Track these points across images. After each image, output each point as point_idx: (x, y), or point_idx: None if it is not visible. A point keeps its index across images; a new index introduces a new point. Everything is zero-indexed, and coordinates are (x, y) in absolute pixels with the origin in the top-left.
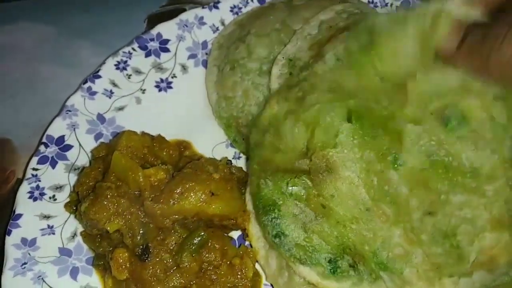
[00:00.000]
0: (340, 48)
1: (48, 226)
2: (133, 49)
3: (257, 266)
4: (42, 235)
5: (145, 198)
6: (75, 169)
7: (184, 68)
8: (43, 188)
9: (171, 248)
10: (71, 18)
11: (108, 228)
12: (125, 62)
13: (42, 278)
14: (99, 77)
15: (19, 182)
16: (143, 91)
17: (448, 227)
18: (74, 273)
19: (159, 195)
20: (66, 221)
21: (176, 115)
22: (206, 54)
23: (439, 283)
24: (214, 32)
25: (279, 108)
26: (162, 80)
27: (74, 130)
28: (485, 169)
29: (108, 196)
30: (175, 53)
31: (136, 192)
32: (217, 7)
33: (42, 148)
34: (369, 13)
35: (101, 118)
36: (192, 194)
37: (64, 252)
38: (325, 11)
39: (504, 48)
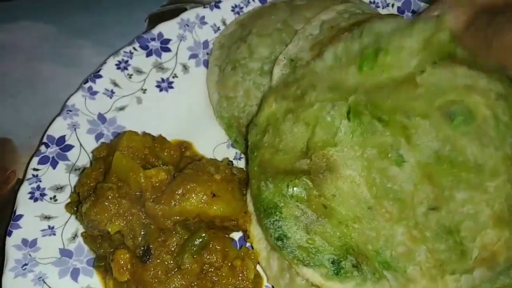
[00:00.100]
0: (339, 47)
1: (49, 227)
2: (134, 49)
3: (258, 267)
4: (43, 236)
5: (146, 199)
6: (76, 170)
7: (185, 68)
8: (44, 189)
9: (172, 249)
10: (72, 17)
11: (109, 229)
12: (126, 61)
13: (43, 279)
14: (100, 76)
15: (20, 182)
16: (144, 91)
17: (452, 223)
18: (75, 274)
19: (160, 196)
20: (67, 222)
21: (177, 115)
22: (207, 54)
23: (441, 281)
24: (215, 31)
25: (277, 106)
26: (163, 80)
27: (75, 130)
28: (488, 165)
29: (109, 197)
30: (176, 53)
31: (137, 193)
32: (218, 7)
33: (42, 148)
34: (374, 17)
35: (102, 118)
36: (193, 195)
37: (65, 253)
38: (326, 11)
39: (506, 33)
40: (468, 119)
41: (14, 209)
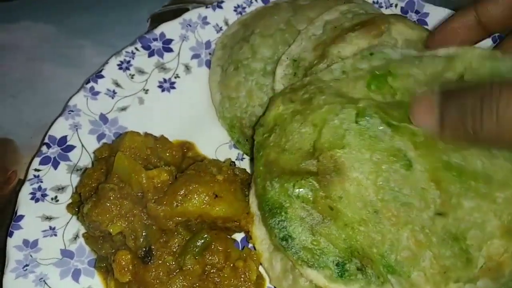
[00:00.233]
0: (347, 63)
1: (50, 227)
2: (136, 49)
3: (260, 269)
4: (44, 236)
5: (148, 199)
6: (77, 170)
7: (187, 68)
8: (45, 189)
9: (174, 250)
10: (72, 17)
11: (111, 230)
12: (128, 62)
13: (44, 280)
14: (102, 77)
15: (21, 183)
16: (146, 91)
17: (458, 231)
18: (76, 275)
19: (162, 196)
20: (68, 222)
21: (179, 116)
22: (210, 54)
23: None
24: (217, 32)
25: (285, 108)
26: (165, 80)
27: (77, 130)
28: (497, 176)
29: (111, 198)
30: (179, 53)
31: (139, 194)
32: (220, 7)
33: (44, 148)
34: (386, 46)
35: (103, 118)
36: (195, 196)
37: (66, 254)
38: (330, 11)
39: (486, 121)
40: None
41: (15, 209)
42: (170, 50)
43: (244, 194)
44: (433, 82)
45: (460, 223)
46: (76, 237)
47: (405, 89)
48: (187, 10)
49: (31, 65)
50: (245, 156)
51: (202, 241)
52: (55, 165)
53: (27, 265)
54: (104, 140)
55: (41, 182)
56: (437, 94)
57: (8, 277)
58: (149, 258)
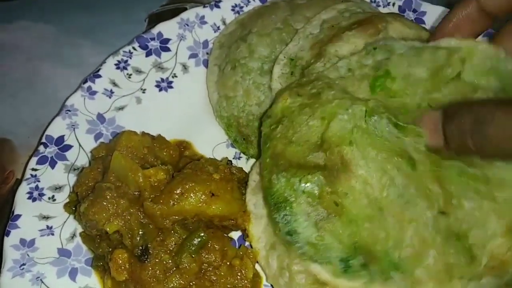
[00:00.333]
0: (353, 60)
1: (47, 226)
2: (134, 49)
3: (257, 267)
4: (41, 235)
5: (144, 198)
6: (74, 170)
7: (185, 67)
8: (42, 189)
9: (171, 249)
10: (71, 17)
11: (108, 228)
12: (126, 61)
13: (41, 279)
14: (99, 76)
15: (18, 182)
16: (144, 90)
17: (460, 230)
18: (73, 274)
19: (159, 195)
20: (65, 221)
21: (177, 115)
22: (207, 53)
23: (449, 285)
24: (215, 31)
25: (292, 101)
26: (162, 80)
27: (74, 130)
28: (495, 177)
29: (108, 197)
30: (176, 53)
31: (136, 193)
32: (218, 6)
33: (41, 148)
34: (389, 38)
35: (101, 118)
36: (192, 195)
37: (63, 253)
38: (327, 10)
39: (484, 142)
40: None
41: (13, 209)
42: (167, 49)
43: (241, 193)
44: (433, 82)
45: (462, 223)
46: (73, 236)
47: (405, 90)
48: (184, 9)
49: (30, 65)
50: (242, 155)
51: (199, 239)
52: (52, 164)
53: (24, 264)
54: (101, 140)
55: (38, 181)
56: (440, 115)
57: (5, 276)
58: (146, 256)
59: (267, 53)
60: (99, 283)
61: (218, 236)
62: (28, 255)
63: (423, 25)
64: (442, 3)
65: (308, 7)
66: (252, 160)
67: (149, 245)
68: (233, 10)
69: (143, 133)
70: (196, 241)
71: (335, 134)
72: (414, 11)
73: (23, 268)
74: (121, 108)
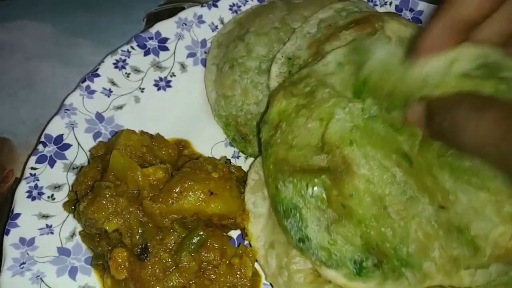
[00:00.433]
0: (339, 54)
1: (47, 225)
2: (132, 48)
3: (256, 265)
4: (41, 234)
5: (144, 197)
6: (73, 168)
7: (183, 66)
8: (42, 188)
9: (170, 247)
10: (70, 16)
11: (107, 227)
12: (124, 60)
13: (41, 278)
14: (98, 75)
15: (18, 181)
16: (142, 90)
17: (461, 223)
18: (72, 272)
19: (158, 194)
20: (64, 220)
21: (175, 114)
22: (205, 52)
23: (456, 276)
24: (213, 30)
25: (287, 102)
26: (161, 79)
27: (73, 129)
28: (484, 169)
29: (107, 196)
30: (174, 52)
31: (135, 191)
32: (216, 6)
33: (40, 147)
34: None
35: (99, 117)
36: (191, 193)
37: (63, 251)
38: (324, 10)
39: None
40: None
41: (12, 208)
42: (165, 48)
43: (239, 192)
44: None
45: (462, 217)
46: (72, 235)
47: (387, 80)
48: (182, 9)
49: (29, 64)
50: (240, 154)
51: (198, 238)
52: (52, 163)
53: (23, 263)
54: (100, 139)
55: (38, 180)
56: (423, 111)
57: (5, 275)
58: (145, 255)
59: (265, 52)
60: (99, 282)
61: (217, 235)
62: (27, 253)
63: (420, 24)
64: (439, 2)
65: (305, 6)
66: (251, 159)
67: (148, 244)
68: (231, 9)
69: (142, 132)
70: (195, 239)
71: (335, 135)
72: (411, 10)
73: (23, 267)
74: (119, 107)
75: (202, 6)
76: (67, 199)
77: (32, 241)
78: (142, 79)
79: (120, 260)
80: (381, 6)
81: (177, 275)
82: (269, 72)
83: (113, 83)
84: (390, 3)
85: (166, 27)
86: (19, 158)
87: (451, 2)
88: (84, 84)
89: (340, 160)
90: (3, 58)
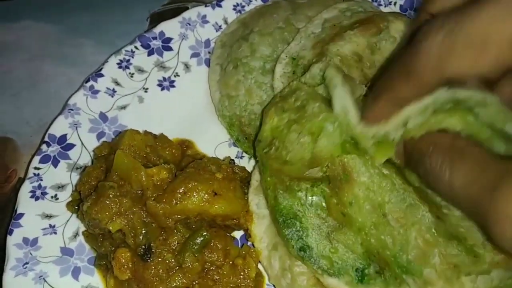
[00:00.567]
0: (321, 65)
1: (50, 225)
2: (136, 48)
3: (260, 266)
4: (44, 234)
5: (147, 197)
6: (77, 168)
7: (187, 66)
8: (45, 187)
9: (174, 248)
10: (73, 16)
11: (110, 227)
12: (128, 60)
13: (44, 278)
14: (102, 75)
15: (21, 181)
16: (146, 90)
17: (458, 233)
18: (75, 273)
19: (162, 194)
20: (68, 220)
21: (179, 114)
22: (209, 52)
23: (457, 282)
24: (217, 30)
25: (279, 119)
26: (164, 79)
27: (76, 129)
28: None
29: (110, 196)
30: (178, 52)
31: (139, 192)
32: (220, 6)
33: (44, 147)
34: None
35: (103, 117)
36: (194, 194)
37: (66, 251)
38: (328, 10)
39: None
40: None
41: (15, 207)
42: (169, 48)
43: (243, 192)
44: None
45: (458, 228)
46: (76, 235)
47: None
48: (186, 8)
49: (32, 64)
50: (244, 154)
51: (202, 238)
52: (55, 163)
53: (27, 263)
54: (103, 139)
55: (41, 180)
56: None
57: (8, 275)
58: (149, 255)
59: (269, 52)
60: (102, 282)
61: (220, 235)
62: (31, 253)
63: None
64: None
65: (309, 6)
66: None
67: (152, 244)
68: (234, 9)
69: (146, 132)
70: (198, 240)
71: (325, 149)
72: (416, 10)
73: (26, 267)
74: (123, 107)
75: (206, 6)
76: (70, 199)
77: (35, 241)
78: (146, 79)
79: (123, 261)
80: (385, 6)
81: (180, 275)
82: (273, 72)
83: (117, 83)
84: (395, 3)
85: (170, 27)
86: (22, 158)
87: (392, 80)
88: (88, 84)
89: (340, 168)
90: (6, 58)
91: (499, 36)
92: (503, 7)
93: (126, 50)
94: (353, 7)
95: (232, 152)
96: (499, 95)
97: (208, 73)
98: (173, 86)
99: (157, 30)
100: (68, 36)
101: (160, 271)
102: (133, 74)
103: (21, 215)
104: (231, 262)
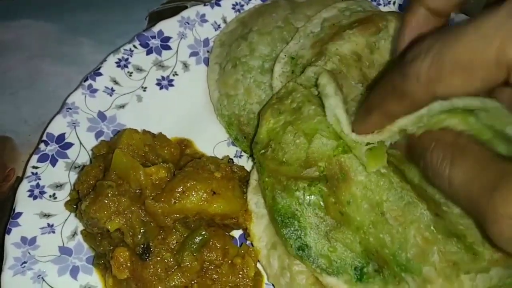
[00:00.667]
0: (313, 69)
1: (48, 224)
2: (134, 47)
3: (259, 265)
4: (42, 233)
5: (146, 196)
6: (75, 167)
7: (185, 65)
8: (43, 187)
9: (172, 247)
10: (73, 15)
11: (109, 227)
12: (126, 59)
13: (42, 277)
14: (100, 74)
15: (19, 180)
16: (144, 89)
17: (457, 231)
18: (74, 272)
19: (160, 193)
20: (66, 219)
21: (178, 113)
22: (208, 51)
23: (457, 280)
24: (216, 29)
25: (275, 121)
26: (163, 78)
27: (75, 128)
28: None
29: (109, 195)
30: (177, 51)
31: (137, 191)
32: (219, 5)
33: (42, 146)
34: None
35: (102, 116)
36: (193, 193)
37: (64, 251)
38: (327, 9)
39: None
40: None
41: (13, 207)
42: (168, 47)
43: (242, 191)
44: None
45: (457, 225)
46: (74, 234)
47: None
48: (185, 7)
49: (31, 63)
50: (243, 153)
51: (200, 238)
52: (53, 162)
53: (25, 262)
54: (102, 138)
55: (39, 179)
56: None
57: (6, 274)
58: (147, 255)
59: (268, 52)
60: (100, 282)
61: (219, 235)
62: (29, 253)
63: None
64: None
65: (308, 5)
66: None
67: (150, 244)
68: (233, 8)
69: (144, 131)
70: (197, 239)
71: (320, 149)
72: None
73: (24, 266)
74: (122, 106)
75: (205, 5)
76: (68, 198)
77: (33, 240)
78: (145, 78)
79: (122, 260)
80: (384, 6)
81: (179, 274)
82: (272, 72)
83: (116, 82)
84: (394, 2)
85: (168, 26)
86: (20, 157)
87: (384, 98)
88: (86, 83)
89: (337, 168)
90: (5, 57)
91: (485, 58)
92: (486, 30)
93: (124, 49)
94: (352, 7)
95: (231, 151)
96: (498, 100)
97: (207, 72)
98: (172, 85)
99: (156, 29)
100: (68, 35)
101: (159, 270)
102: (131, 73)
103: (19, 214)
104: (230, 261)
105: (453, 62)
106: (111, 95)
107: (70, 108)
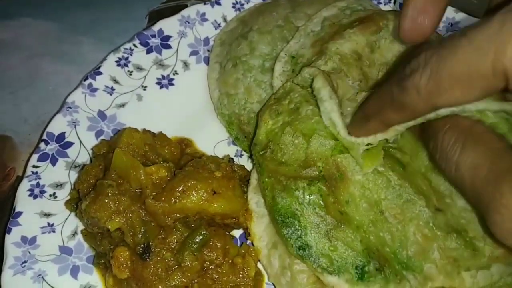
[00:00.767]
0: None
1: (48, 224)
2: (134, 46)
3: (259, 265)
4: (42, 233)
5: (146, 196)
6: (75, 167)
7: (185, 64)
8: (43, 186)
9: (173, 246)
10: (72, 14)
11: (109, 226)
12: (126, 58)
13: (42, 277)
14: (100, 73)
15: (19, 179)
16: (144, 88)
17: (459, 225)
18: (74, 271)
19: (161, 193)
20: (66, 219)
21: (178, 113)
22: (208, 50)
23: (458, 277)
24: (216, 28)
25: (274, 122)
26: (163, 77)
27: (75, 127)
28: None
29: (109, 194)
30: (177, 50)
31: (137, 190)
32: (219, 3)
33: (42, 145)
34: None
35: (102, 115)
36: (193, 192)
37: (65, 250)
38: (328, 8)
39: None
40: None
41: (14, 206)
42: (168, 46)
43: (242, 191)
44: None
45: (459, 219)
46: (74, 233)
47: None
48: (185, 6)
49: (31, 61)
50: (243, 152)
51: (201, 237)
52: (53, 161)
53: (25, 262)
54: (102, 137)
55: (39, 178)
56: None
57: (6, 273)
58: (148, 254)
59: (268, 51)
60: (101, 281)
61: (220, 234)
62: (29, 252)
63: None
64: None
65: (309, 4)
66: None
67: (151, 243)
68: (234, 7)
69: (144, 130)
70: (198, 239)
71: (318, 149)
72: None
73: (24, 266)
74: (122, 105)
75: (205, 3)
76: (69, 197)
77: (33, 239)
78: (145, 77)
79: (122, 259)
80: (385, 4)
81: (179, 274)
82: (273, 71)
83: (116, 81)
84: (394, 1)
85: (168, 25)
86: (20, 156)
87: (383, 108)
88: (86, 82)
89: (334, 168)
90: (5, 56)
91: (481, 69)
92: (479, 43)
93: (124, 48)
94: (352, 5)
95: (231, 150)
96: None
97: (207, 71)
98: (172, 84)
99: (156, 28)
100: (67, 34)
101: (159, 270)
102: (131, 72)
103: (20, 213)
104: (230, 261)
105: (451, 76)
106: (111, 94)
107: (70, 107)
